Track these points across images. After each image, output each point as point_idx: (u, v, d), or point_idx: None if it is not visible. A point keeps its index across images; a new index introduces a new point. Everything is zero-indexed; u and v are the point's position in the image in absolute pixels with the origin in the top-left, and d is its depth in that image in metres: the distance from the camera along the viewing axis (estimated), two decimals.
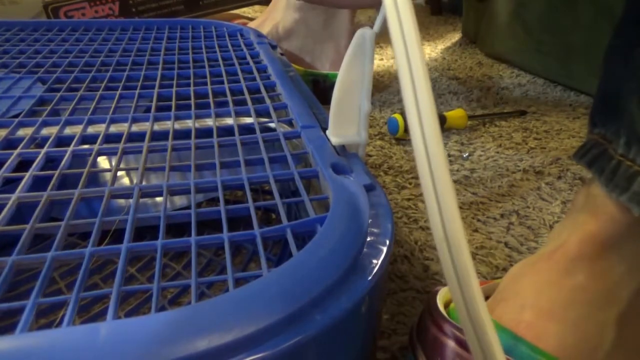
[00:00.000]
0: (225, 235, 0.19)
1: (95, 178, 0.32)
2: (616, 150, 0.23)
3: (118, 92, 0.33)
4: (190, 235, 0.19)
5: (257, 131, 0.28)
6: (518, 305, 0.23)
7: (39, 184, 0.23)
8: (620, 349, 0.22)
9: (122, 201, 0.35)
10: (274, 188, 0.23)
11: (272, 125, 0.30)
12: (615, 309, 0.22)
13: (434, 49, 0.96)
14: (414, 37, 0.13)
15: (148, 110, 0.31)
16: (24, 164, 0.25)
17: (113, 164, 0.24)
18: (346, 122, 0.26)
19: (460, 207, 0.45)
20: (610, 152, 0.23)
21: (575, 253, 0.23)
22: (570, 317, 0.22)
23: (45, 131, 0.28)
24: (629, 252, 0.23)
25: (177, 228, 0.38)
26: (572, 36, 0.69)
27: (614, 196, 0.22)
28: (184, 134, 0.28)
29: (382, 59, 0.89)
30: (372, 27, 0.24)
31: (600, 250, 0.23)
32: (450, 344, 0.22)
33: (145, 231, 0.21)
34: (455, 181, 0.49)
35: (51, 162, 0.25)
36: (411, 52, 0.13)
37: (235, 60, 0.41)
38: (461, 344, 0.22)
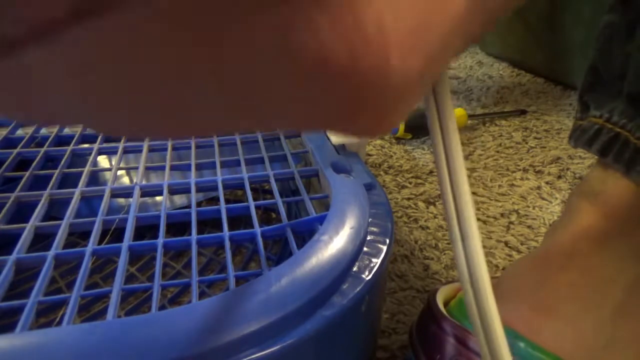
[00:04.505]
0: (226, 233, 0.19)
1: (95, 177, 0.32)
2: None
3: None
4: (190, 234, 0.19)
5: None
6: (515, 303, 0.23)
7: (39, 182, 0.23)
8: (616, 343, 0.22)
9: (122, 200, 0.35)
10: (274, 187, 0.23)
11: None
12: (610, 304, 0.22)
13: None
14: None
15: None
16: (24, 163, 0.25)
17: (113, 163, 0.24)
18: None
19: None
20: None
21: (569, 250, 0.23)
22: (566, 313, 0.22)
23: (45, 130, 0.28)
24: (621, 249, 0.23)
25: (177, 227, 0.38)
26: (572, 34, 0.69)
27: None
28: None
29: None
30: None
31: (594, 247, 0.23)
32: (450, 341, 0.22)
33: (146, 230, 0.21)
34: None
35: (51, 161, 0.25)
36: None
37: None
38: (460, 341, 0.22)
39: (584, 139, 0.25)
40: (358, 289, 0.17)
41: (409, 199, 0.46)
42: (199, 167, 0.25)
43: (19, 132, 0.28)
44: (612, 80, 0.23)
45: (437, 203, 0.45)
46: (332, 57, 0.06)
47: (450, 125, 0.11)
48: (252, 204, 0.21)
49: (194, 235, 0.19)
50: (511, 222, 0.42)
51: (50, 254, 0.18)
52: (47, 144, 0.26)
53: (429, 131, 0.12)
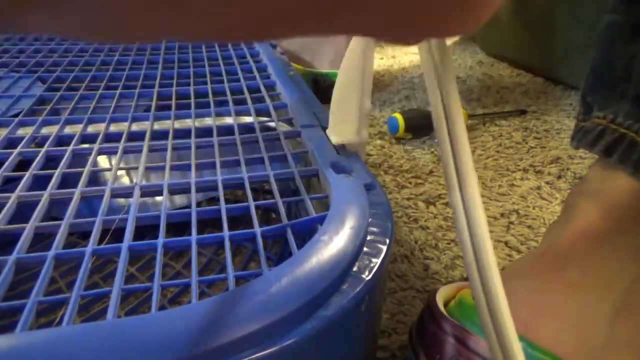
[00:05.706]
0: (226, 234, 0.19)
1: (95, 177, 0.32)
2: None
3: (118, 92, 0.33)
4: (190, 234, 0.19)
5: (257, 130, 0.28)
6: (514, 303, 0.23)
7: (39, 183, 0.23)
8: (615, 343, 0.22)
9: (122, 200, 0.35)
10: (274, 187, 0.23)
11: (272, 124, 0.30)
12: (608, 304, 0.22)
13: None
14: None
15: (148, 109, 0.31)
16: (24, 163, 0.25)
17: (113, 163, 0.24)
18: (346, 121, 0.26)
19: None
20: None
21: (567, 250, 0.23)
22: (564, 313, 0.22)
23: (45, 130, 0.28)
24: (621, 248, 0.23)
25: (177, 227, 0.38)
26: (572, 33, 0.69)
27: None
28: (184, 133, 0.28)
29: (382, 58, 0.89)
30: None
31: (591, 247, 0.23)
32: (450, 341, 0.22)
33: (146, 230, 0.21)
34: None
35: (51, 161, 0.25)
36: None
37: (235, 59, 0.41)
38: (460, 341, 0.22)
39: (586, 140, 0.25)
40: (358, 289, 0.17)
41: (409, 199, 0.46)
42: (199, 167, 0.25)
43: (19, 132, 0.28)
44: (616, 81, 0.23)
45: (437, 203, 0.45)
46: None
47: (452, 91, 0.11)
48: (252, 204, 0.21)
49: (194, 236, 0.19)
50: (511, 222, 0.42)
51: (50, 254, 0.18)
52: (47, 144, 0.26)
53: (428, 93, 0.12)
